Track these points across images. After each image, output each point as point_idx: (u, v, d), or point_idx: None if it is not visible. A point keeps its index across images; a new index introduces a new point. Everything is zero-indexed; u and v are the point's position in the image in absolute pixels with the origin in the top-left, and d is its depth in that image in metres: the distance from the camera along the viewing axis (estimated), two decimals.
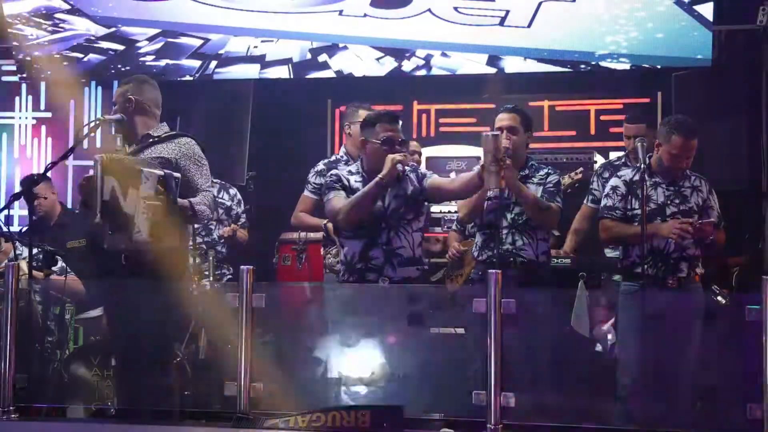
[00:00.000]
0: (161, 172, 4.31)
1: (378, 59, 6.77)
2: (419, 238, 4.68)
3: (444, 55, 6.72)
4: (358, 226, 4.60)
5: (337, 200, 4.62)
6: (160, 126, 4.70)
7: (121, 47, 7.03)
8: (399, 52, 6.74)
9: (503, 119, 4.91)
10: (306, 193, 5.59)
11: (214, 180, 5.22)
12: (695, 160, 4.95)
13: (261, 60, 6.91)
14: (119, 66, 7.11)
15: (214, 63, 6.96)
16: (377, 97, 7.44)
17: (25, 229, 6.18)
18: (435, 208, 6.46)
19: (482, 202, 4.85)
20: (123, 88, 4.70)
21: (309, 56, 6.85)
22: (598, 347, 5.29)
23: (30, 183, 5.41)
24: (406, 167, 4.60)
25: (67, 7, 7.02)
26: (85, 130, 4.81)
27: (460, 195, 4.84)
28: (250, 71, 6.94)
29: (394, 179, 4.53)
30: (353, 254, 4.63)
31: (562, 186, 5.06)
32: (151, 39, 6.98)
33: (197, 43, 6.95)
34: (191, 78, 7.06)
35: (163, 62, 6.98)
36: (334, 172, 4.82)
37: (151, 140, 4.61)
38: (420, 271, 4.71)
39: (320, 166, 5.61)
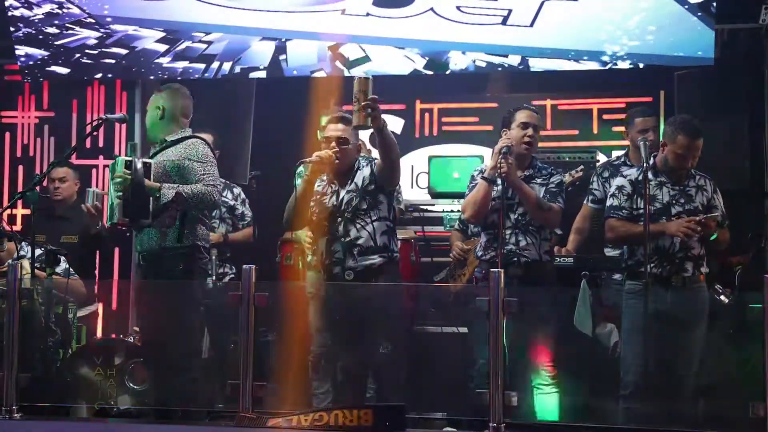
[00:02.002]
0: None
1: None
2: (383, 227, 4.76)
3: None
4: (302, 227, 4.97)
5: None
6: (182, 131, 4.95)
7: (123, 51, 7.02)
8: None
9: (530, 116, 4.99)
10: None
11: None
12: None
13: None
14: (125, 65, 7.10)
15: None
16: (380, 97, 7.44)
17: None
18: (437, 207, 6.46)
19: (487, 202, 4.87)
20: (155, 96, 4.99)
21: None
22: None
23: (33, 184, 5.40)
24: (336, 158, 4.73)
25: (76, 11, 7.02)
26: (88, 129, 4.81)
27: (386, 162, 4.73)
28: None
29: (319, 172, 4.78)
30: (322, 251, 4.81)
31: (564, 186, 5.07)
32: (168, 43, 6.98)
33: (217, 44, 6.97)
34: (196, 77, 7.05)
35: (179, 65, 6.98)
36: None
37: (164, 144, 4.90)
38: (386, 258, 4.75)
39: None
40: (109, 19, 6.97)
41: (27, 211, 6.80)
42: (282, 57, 6.83)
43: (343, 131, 4.81)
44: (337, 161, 4.76)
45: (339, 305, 4.75)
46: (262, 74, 6.91)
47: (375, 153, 5.40)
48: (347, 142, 4.83)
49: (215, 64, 6.95)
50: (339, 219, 4.76)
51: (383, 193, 4.82)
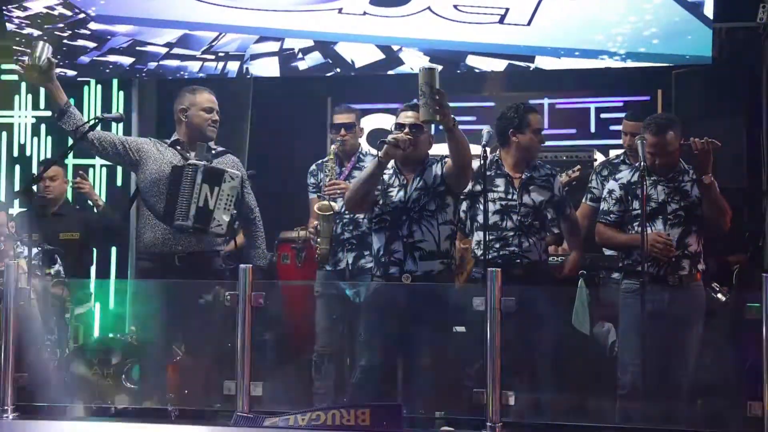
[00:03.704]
0: (238, 173, 4.84)
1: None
2: (447, 231, 4.59)
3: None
4: (363, 210, 4.70)
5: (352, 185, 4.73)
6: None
7: (125, 51, 7.01)
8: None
9: (538, 120, 5.00)
10: (310, 195, 5.66)
11: None
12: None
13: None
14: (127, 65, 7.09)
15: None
16: (377, 95, 7.45)
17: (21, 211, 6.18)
18: None
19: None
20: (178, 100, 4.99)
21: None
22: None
23: (29, 182, 5.41)
24: (407, 146, 4.52)
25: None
26: (85, 129, 4.79)
27: (457, 164, 4.57)
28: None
29: (391, 156, 4.50)
30: (378, 247, 4.62)
31: (562, 188, 5.10)
32: (166, 42, 6.97)
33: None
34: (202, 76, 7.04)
35: (174, 63, 6.97)
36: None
37: (213, 152, 4.90)
38: (445, 265, 4.60)
39: (312, 167, 5.71)
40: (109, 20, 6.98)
41: (22, 211, 6.79)
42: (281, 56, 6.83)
43: (416, 118, 4.51)
44: (411, 147, 4.51)
45: (391, 306, 4.60)
46: (261, 72, 6.90)
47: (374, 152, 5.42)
48: (422, 130, 4.59)
49: (212, 64, 6.94)
50: (404, 217, 4.57)
51: (451, 195, 4.62)
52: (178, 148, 4.84)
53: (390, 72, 6.67)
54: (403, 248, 4.52)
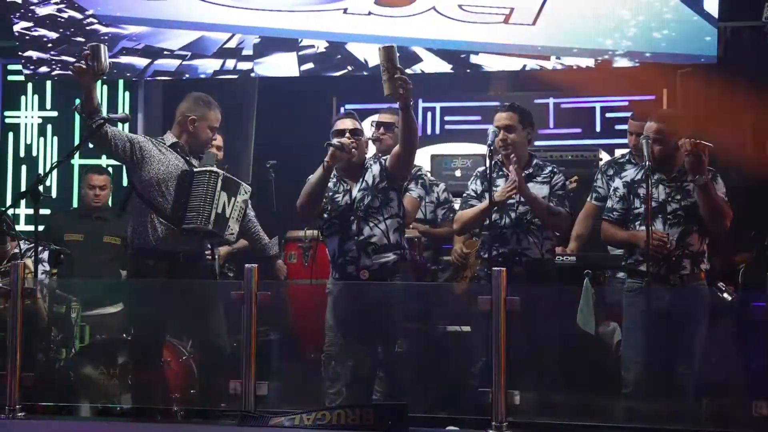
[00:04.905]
0: (249, 188, 4.97)
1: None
2: (395, 224, 4.77)
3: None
4: (313, 216, 4.87)
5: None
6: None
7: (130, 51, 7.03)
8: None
9: (501, 118, 4.97)
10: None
11: None
12: None
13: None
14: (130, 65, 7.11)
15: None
16: (382, 96, 7.44)
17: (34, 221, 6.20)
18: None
19: (478, 224, 4.92)
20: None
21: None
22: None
23: (35, 182, 5.41)
24: (354, 151, 4.73)
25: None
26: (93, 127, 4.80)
27: (405, 147, 4.70)
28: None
29: (344, 160, 4.70)
30: (333, 250, 4.79)
31: (567, 188, 5.08)
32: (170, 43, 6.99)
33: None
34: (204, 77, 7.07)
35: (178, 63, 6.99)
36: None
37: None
38: (399, 255, 4.76)
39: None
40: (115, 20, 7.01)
41: (30, 211, 6.81)
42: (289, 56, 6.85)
43: (353, 125, 4.80)
44: (354, 151, 4.74)
45: (354, 304, 4.73)
46: (265, 72, 6.92)
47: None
48: (361, 134, 4.83)
49: (216, 63, 6.96)
50: (352, 218, 4.73)
51: (393, 189, 4.81)
52: (179, 151, 4.86)
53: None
54: (357, 246, 4.69)
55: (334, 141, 4.70)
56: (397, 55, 4.38)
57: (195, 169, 4.80)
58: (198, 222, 4.70)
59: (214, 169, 4.81)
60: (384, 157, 4.89)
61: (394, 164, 4.76)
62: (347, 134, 4.76)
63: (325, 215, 4.82)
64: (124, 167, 5.14)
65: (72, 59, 7.02)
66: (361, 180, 4.79)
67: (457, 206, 5.48)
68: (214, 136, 5.07)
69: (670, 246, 4.67)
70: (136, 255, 4.77)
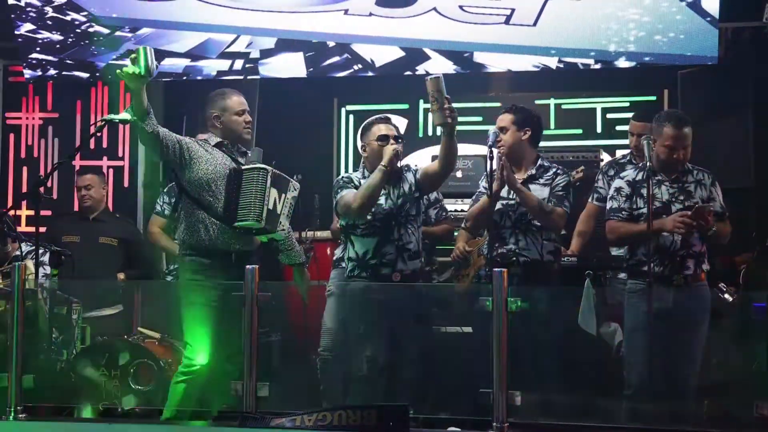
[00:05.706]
0: (298, 184, 4.90)
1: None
2: (420, 233, 4.95)
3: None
4: (368, 214, 4.84)
5: (349, 194, 4.86)
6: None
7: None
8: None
9: (498, 119, 5.09)
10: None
11: None
12: (701, 156, 4.93)
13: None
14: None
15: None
16: (383, 97, 7.46)
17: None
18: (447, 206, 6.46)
19: (485, 216, 4.91)
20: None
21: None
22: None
23: (36, 184, 5.43)
24: (403, 163, 4.92)
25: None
26: (92, 130, 4.81)
27: (444, 169, 4.85)
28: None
29: (395, 166, 4.82)
30: (366, 251, 4.82)
31: (571, 188, 5.07)
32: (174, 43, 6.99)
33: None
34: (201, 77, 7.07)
35: (182, 63, 6.99)
36: (345, 174, 5.20)
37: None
38: (422, 263, 4.97)
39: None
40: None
41: (31, 212, 6.81)
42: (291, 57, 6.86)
43: (392, 130, 4.91)
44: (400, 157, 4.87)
45: (382, 304, 4.77)
46: (271, 73, 6.92)
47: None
48: (402, 138, 4.96)
49: (222, 64, 6.96)
50: (393, 222, 4.83)
51: (421, 200, 4.99)
52: (224, 150, 4.81)
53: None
54: (395, 250, 4.80)
55: (392, 147, 4.79)
56: (444, 85, 4.57)
57: (243, 167, 4.72)
58: (250, 219, 4.64)
59: (263, 165, 4.75)
60: (415, 168, 5.00)
61: (427, 180, 4.90)
62: (391, 140, 4.84)
63: (368, 216, 4.86)
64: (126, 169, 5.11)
65: (71, 62, 7.08)
66: (399, 186, 4.89)
67: (448, 205, 5.72)
68: (247, 117, 4.90)
69: (699, 209, 4.65)
70: (190, 254, 4.71)
